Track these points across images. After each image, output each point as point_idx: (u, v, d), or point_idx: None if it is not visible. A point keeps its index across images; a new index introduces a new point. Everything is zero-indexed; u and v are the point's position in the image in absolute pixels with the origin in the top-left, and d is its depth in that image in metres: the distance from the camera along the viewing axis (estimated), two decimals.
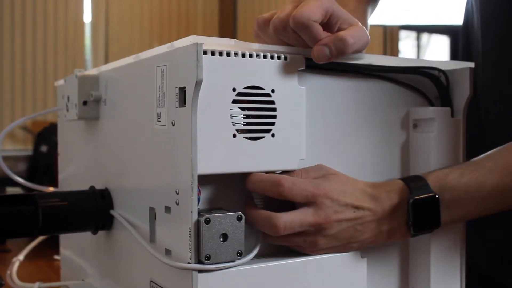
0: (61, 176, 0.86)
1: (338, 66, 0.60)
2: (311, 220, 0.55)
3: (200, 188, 0.51)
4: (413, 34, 4.81)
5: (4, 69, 3.15)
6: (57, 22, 3.30)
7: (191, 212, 0.49)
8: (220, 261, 0.50)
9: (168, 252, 0.53)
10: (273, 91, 0.55)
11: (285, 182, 0.54)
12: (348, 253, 0.59)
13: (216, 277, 0.50)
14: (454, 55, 4.58)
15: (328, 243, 0.56)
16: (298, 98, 0.56)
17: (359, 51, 0.59)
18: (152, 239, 0.56)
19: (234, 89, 0.52)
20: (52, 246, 0.95)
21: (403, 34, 4.67)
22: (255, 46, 0.55)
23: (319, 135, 0.60)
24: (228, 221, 0.51)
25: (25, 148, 2.90)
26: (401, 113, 0.66)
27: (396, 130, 0.65)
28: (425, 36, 4.90)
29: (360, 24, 0.59)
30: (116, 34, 3.55)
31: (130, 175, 0.62)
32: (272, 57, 0.55)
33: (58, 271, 0.91)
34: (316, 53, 0.56)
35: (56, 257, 1.01)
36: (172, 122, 0.52)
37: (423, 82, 0.66)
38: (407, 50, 4.80)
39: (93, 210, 0.64)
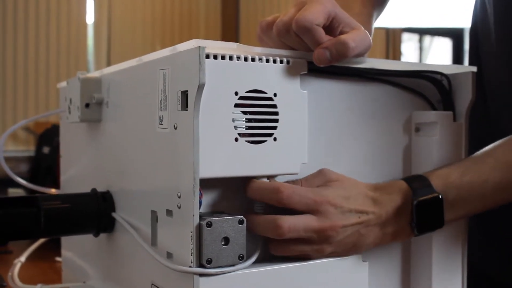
0: (63, 178, 0.86)
1: (340, 70, 0.60)
2: (315, 226, 0.54)
3: (202, 192, 0.51)
4: (415, 37, 4.81)
5: (7, 70, 3.16)
6: (59, 23, 3.31)
7: (193, 215, 0.49)
8: (221, 264, 0.50)
9: (169, 256, 0.53)
10: (275, 95, 0.55)
11: (285, 190, 0.54)
12: (350, 257, 0.58)
13: (218, 281, 0.50)
14: (457, 58, 4.58)
15: (334, 249, 0.56)
16: (300, 102, 0.56)
17: (360, 54, 0.59)
18: (153, 242, 0.56)
19: (236, 93, 0.52)
20: (53, 248, 0.95)
21: (405, 36, 4.67)
22: (257, 50, 0.55)
23: (321, 139, 0.60)
24: (230, 224, 0.51)
25: (27, 149, 2.91)
26: (403, 117, 0.65)
27: (398, 134, 0.65)
28: (427, 39, 4.90)
29: (363, 28, 0.59)
30: (118, 35, 3.55)
31: (132, 178, 0.62)
32: (274, 61, 0.55)
33: (59, 273, 0.91)
34: (317, 56, 0.56)
35: (58, 259, 1.01)
36: (174, 126, 0.52)
37: (425, 86, 0.66)
38: (410, 52, 4.80)
39: (95, 213, 0.65)
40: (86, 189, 0.69)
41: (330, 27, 0.57)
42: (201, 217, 0.50)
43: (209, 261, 0.49)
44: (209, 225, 0.49)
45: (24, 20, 3.19)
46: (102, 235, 0.67)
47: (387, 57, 4.09)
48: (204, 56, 0.49)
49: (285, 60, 0.55)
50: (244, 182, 0.55)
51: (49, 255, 1.04)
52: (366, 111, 0.63)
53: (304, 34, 0.56)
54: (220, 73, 0.51)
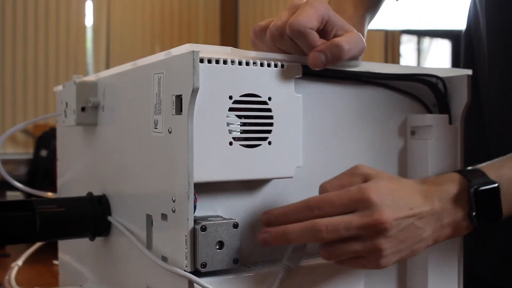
0: (59, 182, 0.86)
1: (335, 73, 0.60)
2: (358, 222, 0.51)
3: (196, 196, 0.51)
4: (414, 39, 4.81)
5: (6, 73, 3.16)
6: (58, 26, 3.32)
7: (187, 219, 0.49)
8: (216, 268, 0.50)
9: (164, 259, 0.53)
10: (269, 98, 0.55)
11: (321, 226, 0.51)
12: None
13: (212, 285, 0.50)
14: (455, 60, 4.58)
15: (392, 246, 0.52)
16: (294, 106, 0.56)
17: (355, 57, 0.59)
18: (148, 246, 0.56)
19: (230, 97, 0.52)
20: (51, 251, 0.95)
21: (404, 38, 4.68)
22: (251, 54, 0.55)
23: (316, 143, 0.60)
24: (224, 228, 0.51)
25: (26, 152, 2.91)
26: (399, 120, 0.66)
27: (393, 137, 0.65)
28: (426, 41, 4.91)
29: (356, 31, 0.59)
30: (117, 38, 3.56)
31: (128, 181, 0.62)
32: (269, 65, 0.55)
33: (56, 276, 0.91)
34: (312, 59, 0.56)
35: (55, 262, 1.01)
36: (168, 130, 0.52)
37: (421, 89, 0.66)
38: (408, 54, 4.80)
39: (91, 216, 0.65)
40: (82, 192, 0.69)
41: (324, 31, 0.57)
42: (196, 221, 0.50)
43: (204, 265, 0.49)
44: (204, 229, 0.49)
45: (23, 23, 3.20)
46: (98, 239, 0.67)
47: (386, 59, 4.09)
48: (198, 60, 0.49)
49: (279, 64, 0.55)
50: (239, 184, 0.55)
51: (46, 259, 1.04)
52: (361, 115, 0.63)
53: (298, 38, 0.56)
54: (214, 77, 0.52)
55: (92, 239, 0.67)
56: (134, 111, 0.60)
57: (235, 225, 0.51)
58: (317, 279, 0.56)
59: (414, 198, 0.54)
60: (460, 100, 0.67)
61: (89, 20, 3.46)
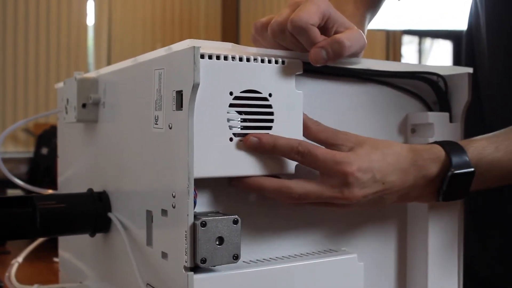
0: (60, 179, 0.86)
1: (336, 71, 0.60)
2: (328, 194, 0.55)
3: (196, 191, 0.51)
4: (415, 39, 4.81)
5: (7, 71, 3.16)
6: (60, 24, 3.32)
7: (187, 215, 0.49)
8: (216, 264, 0.50)
9: (164, 255, 0.53)
10: (270, 95, 0.55)
11: (294, 193, 0.54)
12: (345, 257, 0.58)
13: (212, 281, 0.50)
14: (457, 60, 4.58)
15: (356, 207, 0.57)
16: (295, 102, 0.56)
17: (355, 54, 0.59)
18: (149, 242, 0.56)
19: (231, 93, 0.53)
20: (51, 248, 0.95)
21: (406, 39, 4.68)
22: (252, 50, 0.55)
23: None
24: (224, 224, 0.51)
25: (27, 150, 2.91)
26: (399, 118, 0.66)
27: (394, 135, 0.65)
28: (428, 41, 4.90)
29: (356, 28, 0.59)
30: (118, 36, 3.56)
31: (128, 177, 0.62)
32: (269, 61, 0.55)
33: (56, 273, 0.91)
34: (313, 55, 0.56)
35: (55, 259, 1.01)
36: (169, 125, 0.52)
37: (421, 87, 0.66)
38: (410, 54, 4.80)
39: (91, 213, 0.65)
40: (82, 189, 0.69)
41: (325, 27, 0.57)
42: (196, 216, 0.50)
43: (204, 261, 0.49)
44: (204, 224, 0.49)
45: (24, 22, 3.20)
46: (98, 235, 0.67)
47: (387, 60, 4.07)
48: (199, 56, 0.49)
49: (280, 60, 0.55)
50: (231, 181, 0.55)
51: (46, 256, 1.04)
52: (361, 112, 0.63)
53: (299, 34, 0.56)
54: (214, 73, 0.52)
55: (92, 235, 0.66)
56: (134, 107, 0.60)
57: (235, 221, 0.51)
58: (316, 276, 0.56)
59: (391, 174, 0.57)
60: (460, 98, 0.67)
61: (90, 19, 3.46)
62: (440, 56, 4.87)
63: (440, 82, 0.67)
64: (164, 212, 0.53)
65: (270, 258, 0.57)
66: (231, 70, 0.53)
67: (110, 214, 0.65)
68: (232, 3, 3.96)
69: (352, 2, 0.81)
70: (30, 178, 1.51)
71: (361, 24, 0.81)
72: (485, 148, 0.61)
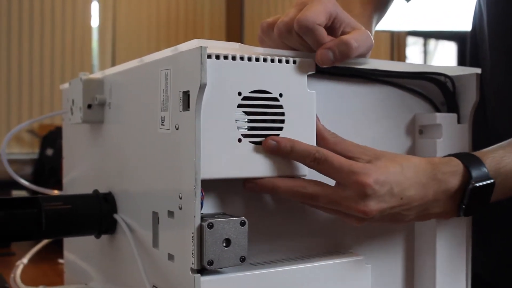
0: (65, 180, 0.86)
1: (344, 71, 0.60)
2: (345, 205, 0.53)
3: (203, 193, 0.50)
4: (420, 40, 4.81)
5: (12, 73, 3.17)
6: (64, 26, 3.32)
7: (194, 216, 0.49)
8: (223, 266, 0.50)
9: (171, 257, 0.53)
10: (280, 95, 0.54)
11: (314, 195, 0.54)
12: (352, 260, 0.58)
13: (219, 283, 0.50)
14: (461, 61, 4.57)
15: (372, 222, 0.56)
16: (308, 102, 0.56)
17: (363, 55, 0.59)
18: (155, 243, 0.56)
19: (239, 93, 0.52)
20: (56, 250, 0.95)
21: (410, 40, 4.67)
22: (259, 50, 0.54)
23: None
24: (231, 226, 0.50)
25: (31, 151, 2.92)
26: (406, 118, 0.65)
27: (401, 136, 0.65)
28: (432, 42, 4.89)
29: (364, 28, 0.59)
30: (123, 38, 3.56)
31: (134, 179, 0.61)
32: (280, 61, 0.54)
33: (62, 275, 0.91)
34: (320, 57, 0.55)
35: (60, 260, 1.01)
36: (176, 126, 0.52)
37: (429, 87, 0.66)
38: (414, 56, 4.79)
39: (97, 214, 0.64)
40: (88, 190, 0.68)
41: (332, 27, 0.57)
42: (203, 218, 0.49)
43: (211, 263, 0.49)
44: (211, 226, 0.49)
45: (29, 23, 3.20)
46: (104, 237, 0.67)
47: (392, 60, 4.07)
48: (206, 56, 0.48)
49: (291, 60, 0.55)
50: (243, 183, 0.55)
51: (51, 257, 1.04)
52: (369, 113, 0.62)
53: (305, 34, 0.55)
54: (223, 73, 0.51)
55: (97, 236, 0.66)
56: (140, 108, 0.60)
57: (243, 223, 0.51)
58: (323, 277, 0.56)
59: (410, 188, 0.55)
60: (468, 99, 0.66)
61: (95, 21, 3.46)
62: (444, 57, 4.86)
63: (448, 82, 0.66)
64: (170, 214, 0.53)
65: (277, 260, 0.56)
66: (239, 70, 0.52)
67: (115, 216, 0.64)
68: (237, 3, 3.96)
69: (359, 3, 0.80)
70: (35, 179, 1.51)
71: (368, 25, 0.81)
72: (502, 158, 0.59)
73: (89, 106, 0.69)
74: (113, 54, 3.54)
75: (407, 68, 0.64)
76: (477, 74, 0.66)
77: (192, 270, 0.49)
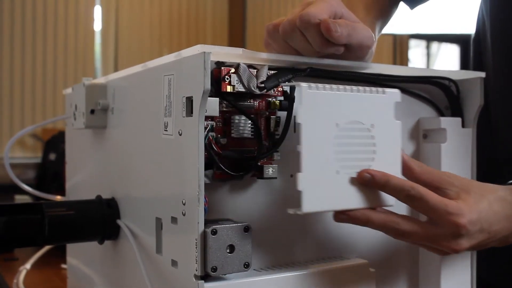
0: (68, 185, 0.86)
1: (347, 76, 0.60)
2: (436, 243, 0.55)
3: (206, 199, 0.50)
4: (423, 43, 4.80)
5: (15, 77, 3.17)
6: (67, 30, 3.32)
7: (198, 223, 0.48)
8: (226, 272, 0.50)
9: (174, 263, 0.53)
10: (372, 125, 0.54)
11: (405, 232, 0.54)
12: (357, 264, 0.58)
13: None
14: (464, 64, 4.57)
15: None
16: (395, 132, 0.56)
17: (364, 45, 0.58)
18: (158, 249, 0.56)
19: (337, 124, 0.52)
20: (59, 255, 0.95)
21: (413, 43, 4.66)
22: (263, 56, 0.54)
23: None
24: (235, 232, 0.50)
25: (34, 156, 2.91)
26: (411, 123, 0.65)
27: (406, 140, 0.65)
28: (435, 45, 4.89)
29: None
30: (126, 42, 3.56)
31: (137, 184, 0.61)
32: (371, 91, 0.54)
33: (65, 280, 0.91)
34: (324, 23, 0.54)
35: (63, 266, 1.01)
36: (179, 132, 0.51)
37: (433, 92, 0.66)
38: (417, 59, 4.79)
39: (100, 220, 0.64)
40: (91, 195, 0.68)
41: None
42: (206, 224, 0.49)
43: (214, 269, 0.49)
44: (214, 232, 0.49)
45: (31, 27, 3.21)
46: (107, 242, 0.67)
47: (394, 64, 4.08)
48: (209, 61, 0.48)
49: (381, 90, 0.55)
50: (250, 187, 0.55)
51: (54, 262, 1.04)
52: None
53: (307, 30, 0.55)
54: (321, 104, 0.51)
55: (101, 242, 0.66)
56: (143, 114, 0.60)
57: (246, 229, 0.51)
58: (327, 282, 0.56)
59: (496, 223, 0.56)
60: (473, 103, 0.66)
61: (97, 25, 3.47)
62: (447, 60, 4.85)
63: (452, 86, 0.66)
64: (174, 220, 0.52)
65: (281, 266, 0.56)
66: (336, 101, 0.52)
67: (119, 221, 0.64)
68: (239, 8, 3.96)
69: (363, 8, 0.80)
70: (38, 184, 1.51)
71: (371, 30, 0.81)
72: None
73: (92, 111, 0.69)
74: (116, 58, 3.54)
75: (411, 73, 0.64)
76: (481, 78, 0.65)
77: (196, 277, 0.49)
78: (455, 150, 0.64)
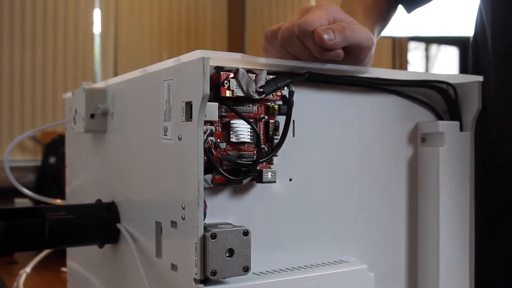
0: (68, 189, 0.86)
1: (345, 80, 0.60)
2: None
3: (206, 203, 0.50)
4: (422, 45, 4.81)
5: (14, 81, 3.17)
6: (67, 33, 3.33)
7: (197, 227, 0.49)
8: (226, 276, 0.50)
9: (174, 267, 0.53)
10: None
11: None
12: (355, 268, 0.58)
13: None
14: (463, 67, 4.58)
15: None
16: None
17: (364, 46, 0.58)
18: (158, 253, 0.56)
19: None
20: (59, 258, 0.95)
21: (412, 45, 4.67)
22: (262, 61, 0.54)
23: (326, 150, 0.59)
24: (235, 236, 0.50)
25: (34, 159, 2.92)
26: (409, 127, 0.65)
27: (404, 144, 0.65)
28: (434, 47, 4.90)
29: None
30: (125, 46, 3.57)
31: (137, 188, 0.62)
32: None
33: (65, 283, 0.91)
34: (317, 34, 0.55)
35: (63, 269, 1.01)
36: (178, 136, 0.52)
37: (431, 95, 0.66)
38: (416, 61, 4.79)
39: (100, 224, 0.64)
40: (91, 199, 0.68)
41: None
42: (206, 228, 0.49)
43: (214, 273, 0.49)
44: (214, 236, 0.49)
45: (31, 31, 3.21)
46: (107, 246, 0.67)
47: (393, 66, 4.09)
48: (208, 66, 0.48)
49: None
50: (249, 191, 0.55)
51: (54, 266, 1.04)
52: (370, 122, 0.62)
53: (305, 38, 0.55)
54: None
55: (101, 246, 0.66)
56: (143, 118, 0.60)
57: (246, 233, 0.51)
58: (327, 286, 0.56)
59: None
60: (471, 106, 0.66)
61: (97, 28, 3.47)
62: (446, 62, 4.85)
63: (450, 90, 0.66)
64: (173, 224, 0.53)
65: (280, 270, 0.56)
66: None
67: (118, 225, 0.64)
68: (238, 13, 3.96)
69: (361, 13, 0.81)
70: (37, 187, 1.51)
71: None
72: None
73: (92, 116, 0.69)
74: (115, 62, 3.54)
75: (409, 77, 0.64)
76: (479, 82, 0.66)
77: (195, 281, 0.49)
78: (453, 153, 0.64)
